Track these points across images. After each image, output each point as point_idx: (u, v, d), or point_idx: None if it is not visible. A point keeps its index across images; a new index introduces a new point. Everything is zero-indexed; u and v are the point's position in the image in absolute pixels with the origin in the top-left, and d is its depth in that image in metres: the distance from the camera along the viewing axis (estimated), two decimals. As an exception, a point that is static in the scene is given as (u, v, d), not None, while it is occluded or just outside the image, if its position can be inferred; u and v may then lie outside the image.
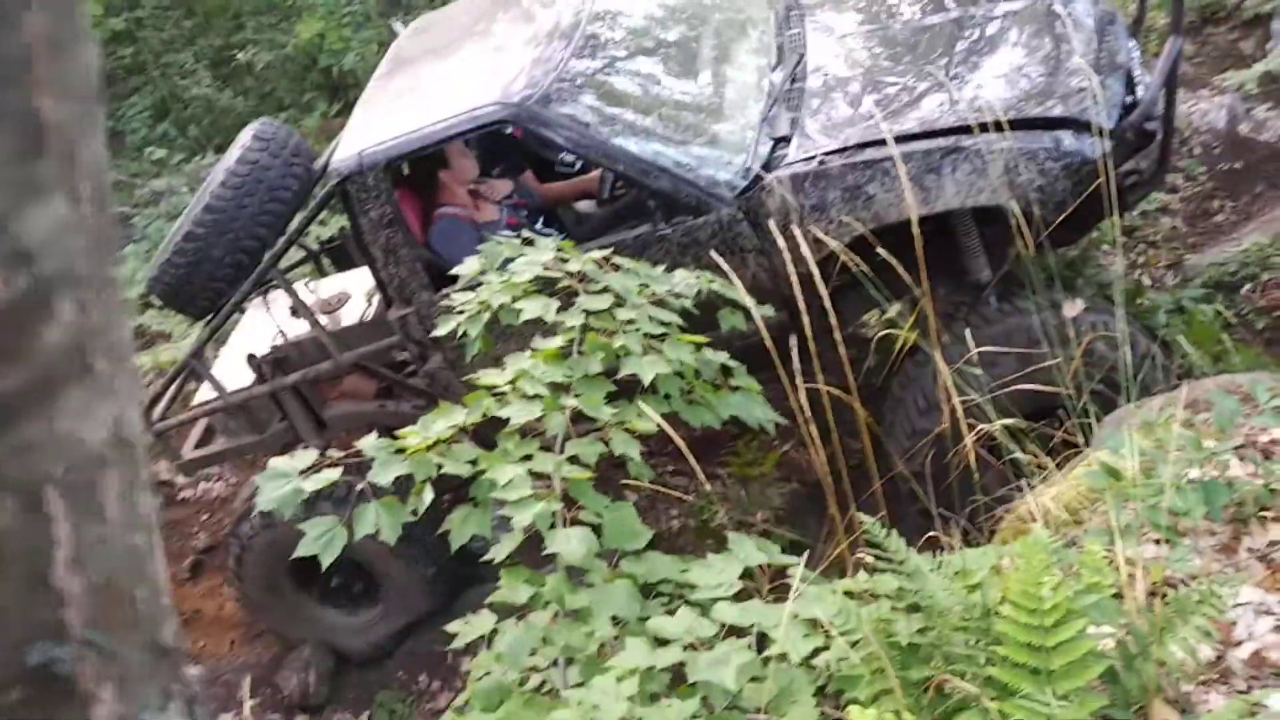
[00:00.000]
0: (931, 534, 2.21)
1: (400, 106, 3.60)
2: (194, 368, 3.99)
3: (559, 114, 3.20)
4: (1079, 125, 2.97)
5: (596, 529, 2.04)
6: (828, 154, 3.08)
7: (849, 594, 1.86)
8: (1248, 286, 4.22)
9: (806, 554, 2.12)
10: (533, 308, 2.64)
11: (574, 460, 2.16)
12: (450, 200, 3.79)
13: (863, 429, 2.47)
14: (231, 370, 4.10)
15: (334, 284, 4.50)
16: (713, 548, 2.23)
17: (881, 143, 2.90)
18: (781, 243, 2.61)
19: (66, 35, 0.30)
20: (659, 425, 2.09)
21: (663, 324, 2.61)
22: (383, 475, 2.12)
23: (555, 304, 2.63)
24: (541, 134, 3.23)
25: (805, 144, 3.17)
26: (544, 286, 2.90)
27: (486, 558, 2.06)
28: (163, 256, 3.77)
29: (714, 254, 2.88)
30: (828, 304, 2.32)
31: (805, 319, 2.37)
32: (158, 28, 10.45)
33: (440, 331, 2.64)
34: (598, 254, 2.78)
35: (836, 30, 3.69)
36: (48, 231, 0.28)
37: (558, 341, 2.47)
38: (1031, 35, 3.36)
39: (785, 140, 3.23)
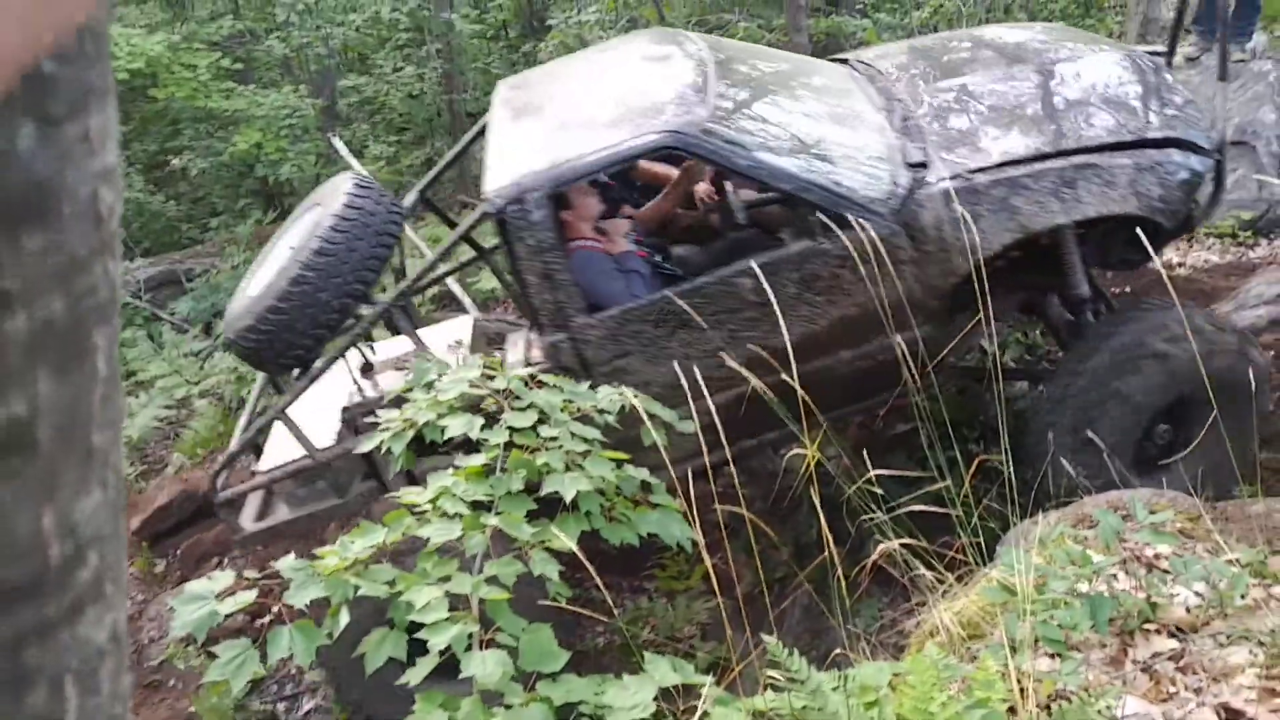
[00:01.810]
0: (839, 651, 2.27)
1: (539, 145, 3.56)
2: (286, 423, 3.64)
3: (720, 138, 3.33)
4: (1184, 145, 3.38)
5: (514, 650, 2.07)
6: (972, 171, 3.36)
7: (758, 713, 1.91)
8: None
9: (723, 671, 2.17)
10: (457, 425, 2.69)
11: (492, 580, 2.19)
12: (578, 236, 3.78)
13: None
14: (283, 434, 3.81)
15: (390, 347, 4.32)
16: (637, 665, 2.26)
17: (1018, 162, 3.31)
18: (971, 231, 2.99)
19: (113, 390, 0.42)
20: (572, 548, 2.14)
21: (585, 440, 2.69)
22: (299, 597, 2.13)
23: (480, 421, 2.69)
24: (707, 156, 3.35)
25: (945, 165, 3.44)
26: (470, 403, 3.00)
27: (401, 681, 2.07)
28: (258, 305, 3.56)
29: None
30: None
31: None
32: (92, 133, 10.48)
33: (363, 449, 2.68)
34: (524, 370, 2.87)
35: (930, 79, 3.98)
36: (88, 512, 0.40)
37: (481, 459, 2.53)
38: (1121, 70, 3.80)
39: (920, 165, 3.47)
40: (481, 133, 4.38)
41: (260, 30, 10.99)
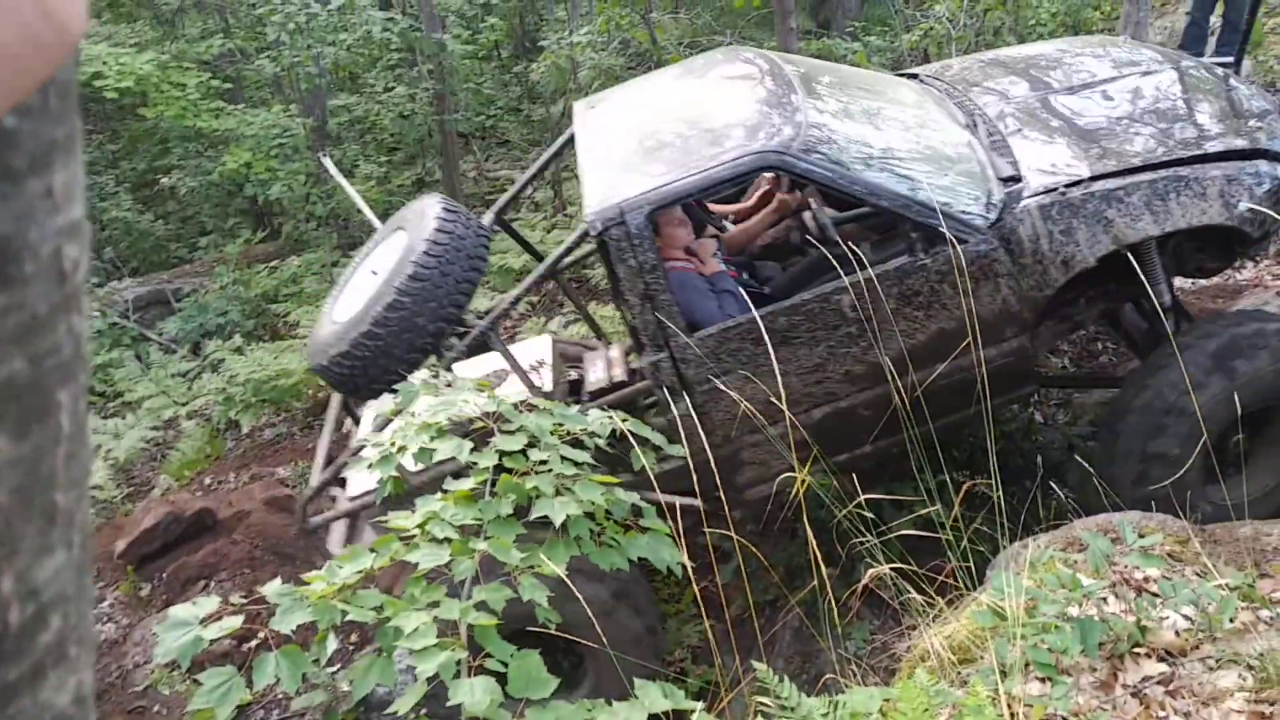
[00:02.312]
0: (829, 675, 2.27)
1: (636, 167, 3.56)
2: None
3: (817, 156, 3.36)
4: (1269, 156, 3.47)
5: (502, 677, 2.06)
6: (1068, 186, 3.42)
7: (748, 739, 1.90)
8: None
9: (714, 697, 2.16)
10: (446, 449, 2.69)
11: (481, 606, 2.18)
12: (671, 257, 3.79)
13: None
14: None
15: (471, 367, 4.26)
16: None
17: (1108, 175, 3.39)
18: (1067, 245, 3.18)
19: (79, 447, 0.41)
20: (560, 574, 2.13)
21: (575, 464, 2.68)
22: (285, 623, 2.11)
23: (469, 445, 2.68)
24: (805, 174, 3.36)
25: (1038, 180, 3.49)
26: (460, 426, 2.99)
27: (390, 710, 2.05)
28: (351, 331, 3.53)
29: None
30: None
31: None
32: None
33: (350, 473, 2.67)
34: (515, 393, 2.87)
35: (1009, 94, 4.05)
36: (51, 573, 0.39)
37: (470, 483, 2.52)
38: (1201, 82, 3.91)
39: (1013, 179, 3.52)
40: (555, 156, 4.49)
41: (250, 49, 11.00)
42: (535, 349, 4.40)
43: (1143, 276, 3.17)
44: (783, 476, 2.86)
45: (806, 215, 3.96)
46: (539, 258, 4.61)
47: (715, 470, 3.00)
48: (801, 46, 8.93)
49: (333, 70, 10.47)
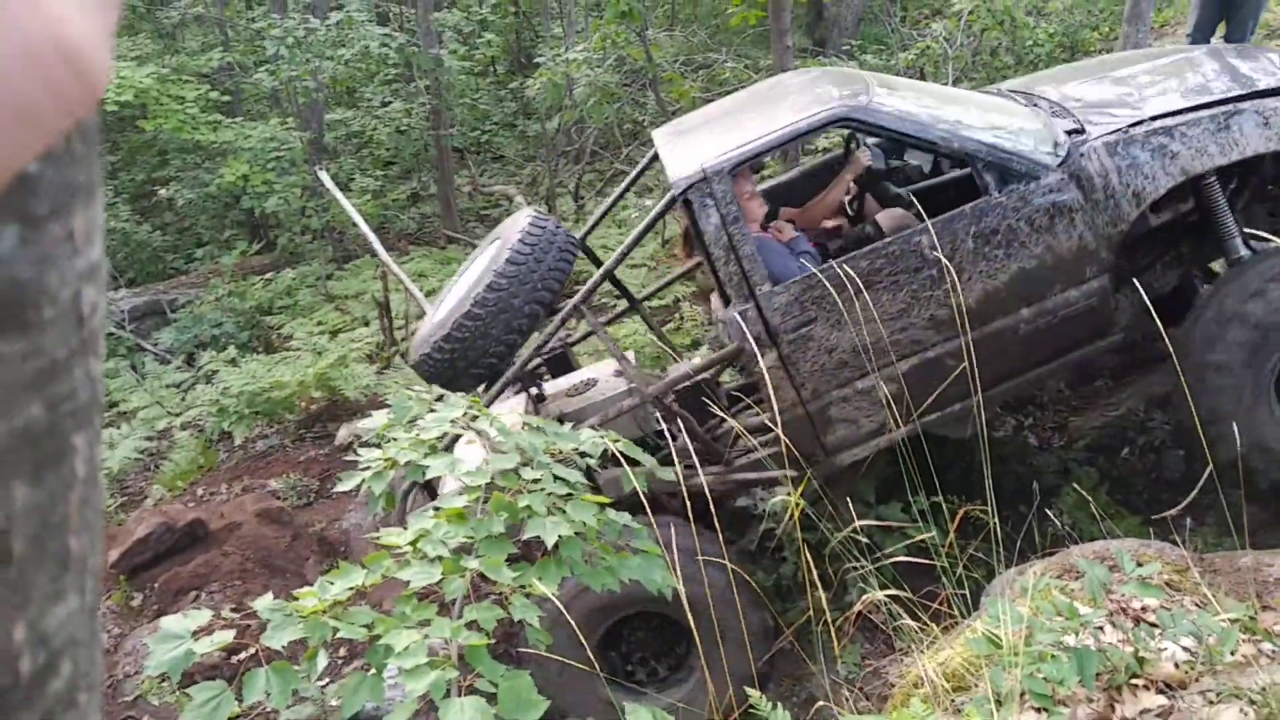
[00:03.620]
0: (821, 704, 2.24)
1: (716, 141, 3.72)
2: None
3: (891, 110, 3.54)
4: None
5: (493, 697, 2.03)
6: (1131, 125, 3.54)
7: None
8: (1125, 450, 4.45)
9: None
10: (439, 465, 2.66)
11: (472, 625, 2.15)
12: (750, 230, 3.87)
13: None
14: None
15: (555, 384, 4.43)
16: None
17: (1169, 114, 3.50)
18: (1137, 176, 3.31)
19: (93, 490, 0.40)
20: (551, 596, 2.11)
21: (568, 484, 2.66)
22: (276, 638, 2.09)
23: (462, 461, 2.66)
24: (881, 125, 3.51)
25: (1104, 122, 3.63)
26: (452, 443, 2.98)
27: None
28: (452, 317, 3.79)
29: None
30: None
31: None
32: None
33: (344, 487, 2.65)
34: (508, 412, 2.85)
35: (1060, 80, 4.32)
36: (63, 619, 0.38)
37: (462, 501, 2.50)
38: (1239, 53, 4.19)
39: (1077, 131, 3.64)
40: (635, 180, 4.64)
41: (249, 63, 11.03)
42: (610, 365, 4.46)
43: (1211, 211, 3.36)
44: (775, 499, 2.84)
45: (881, 216, 4.00)
46: (617, 284, 4.73)
47: (811, 424, 3.22)
48: (797, 65, 8.97)
49: (330, 85, 10.50)
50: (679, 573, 2.51)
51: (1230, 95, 3.58)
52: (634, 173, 4.67)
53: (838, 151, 4.90)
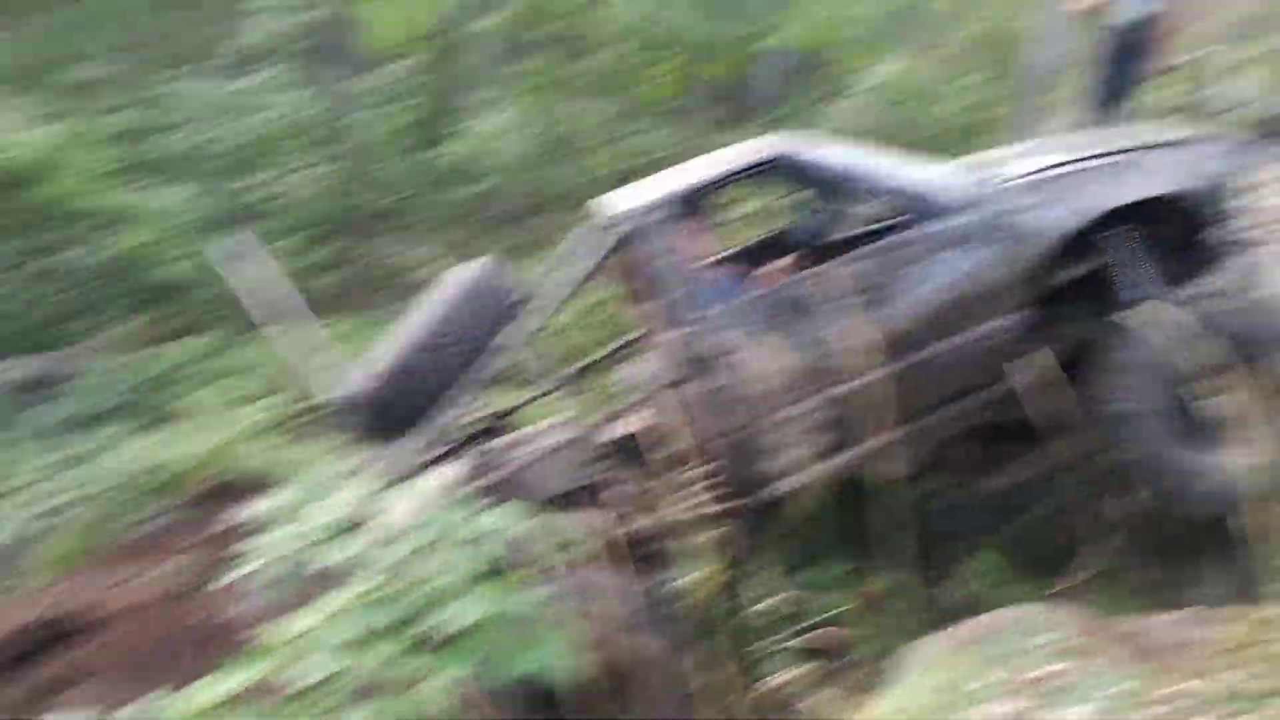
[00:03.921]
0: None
1: (654, 185, 3.94)
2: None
3: (819, 155, 3.82)
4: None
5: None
6: (1050, 166, 3.85)
7: None
8: (1029, 514, 4.50)
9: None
10: (335, 552, 2.57)
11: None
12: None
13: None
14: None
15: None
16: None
17: (1077, 160, 3.82)
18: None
19: None
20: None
21: (474, 567, 2.58)
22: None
23: (360, 547, 2.57)
24: (809, 169, 3.78)
25: (1015, 171, 3.93)
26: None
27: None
28: (377, 369, 3.78)
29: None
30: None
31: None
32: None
33: (233, 576, 2.53)
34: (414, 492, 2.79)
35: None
36: None
37: (361, 588, 2.40)
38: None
39: (989, 180, 3.93)
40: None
41: (160, 125, 10.82)
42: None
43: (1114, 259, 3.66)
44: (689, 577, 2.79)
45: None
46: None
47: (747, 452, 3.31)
48: (714, 138, 9.16)
49: (245, 147, 10.36)
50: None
51: (1128, 148, 3.89)
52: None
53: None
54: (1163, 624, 2.82)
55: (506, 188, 9.71)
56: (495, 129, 8.75)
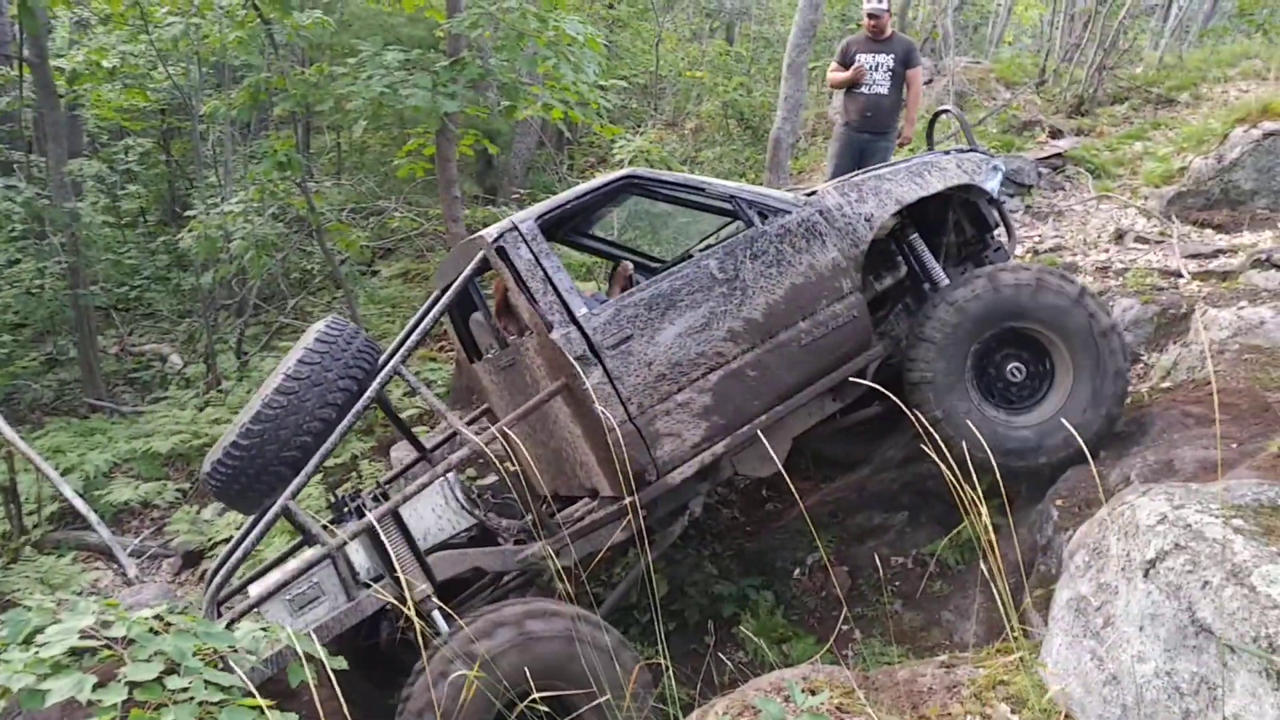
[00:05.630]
0: None
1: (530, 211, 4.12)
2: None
3: (671, 174, 4.27)
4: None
5: None
6: (846, 179, 4.55)
7: None
8: (797, 571, 4.72)
9: None
10: (64, 687, 2.29)
11: None
12: None
13: None
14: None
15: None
16: None
17: (873, 170, 4.65)
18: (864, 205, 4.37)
19: None
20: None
21: (221, 689, 2.37)
22: None
23: (92, 680, 2.30)
24: (661, 186, 4.23)
25: (828, 187, 4.53)
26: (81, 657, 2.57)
27: None
28: (230, 437, 3.77)
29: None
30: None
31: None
32: None
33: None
34: (149, 612, 2.54)
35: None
36: None
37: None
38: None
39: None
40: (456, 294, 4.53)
41: None
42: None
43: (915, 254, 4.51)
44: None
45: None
46: (397, 422, 4.82)
47: (642, 439, 3.61)
48: (467, 214, 9.15)
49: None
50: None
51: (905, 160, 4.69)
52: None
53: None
54: (917, 672, 2.95)
55: (246, 272, 9.22)
56: (231, 213, 8.31)
